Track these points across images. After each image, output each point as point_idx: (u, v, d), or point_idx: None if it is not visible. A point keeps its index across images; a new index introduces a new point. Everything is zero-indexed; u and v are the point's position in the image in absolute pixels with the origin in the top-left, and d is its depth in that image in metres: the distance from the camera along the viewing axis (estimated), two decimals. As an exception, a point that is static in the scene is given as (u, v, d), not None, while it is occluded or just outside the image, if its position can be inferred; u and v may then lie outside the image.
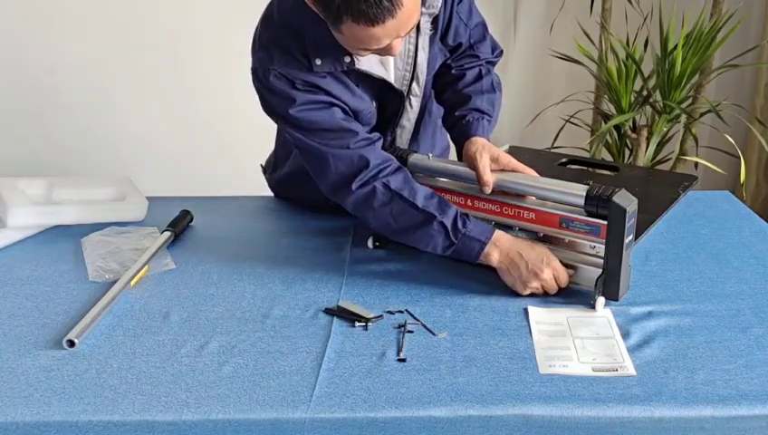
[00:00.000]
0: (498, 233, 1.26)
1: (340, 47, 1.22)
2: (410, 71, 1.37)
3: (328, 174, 1.30)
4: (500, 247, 1.24)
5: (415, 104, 1.43)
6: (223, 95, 2.84)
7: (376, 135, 1.33)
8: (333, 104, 1.28)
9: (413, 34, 1.34)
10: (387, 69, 1.35)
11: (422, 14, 1.28)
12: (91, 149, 2.86)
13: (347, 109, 1.30)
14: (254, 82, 1.31)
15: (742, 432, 0.94)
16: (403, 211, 1.27)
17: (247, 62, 1.31)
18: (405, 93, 1.39)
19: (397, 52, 1.20)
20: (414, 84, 1.39)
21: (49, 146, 2.83)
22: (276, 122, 1.37)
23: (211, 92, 2.87)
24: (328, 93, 1.27)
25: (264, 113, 1.34)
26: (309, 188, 1.51)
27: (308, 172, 1.39)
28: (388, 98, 1.38)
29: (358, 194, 1.28)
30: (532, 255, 1.22)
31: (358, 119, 1.33)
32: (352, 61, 1.26)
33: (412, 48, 1.35)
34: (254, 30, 1.32)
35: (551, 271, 1.21)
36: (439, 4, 1.32)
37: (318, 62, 1.25)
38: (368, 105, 1.35)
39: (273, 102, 1.29)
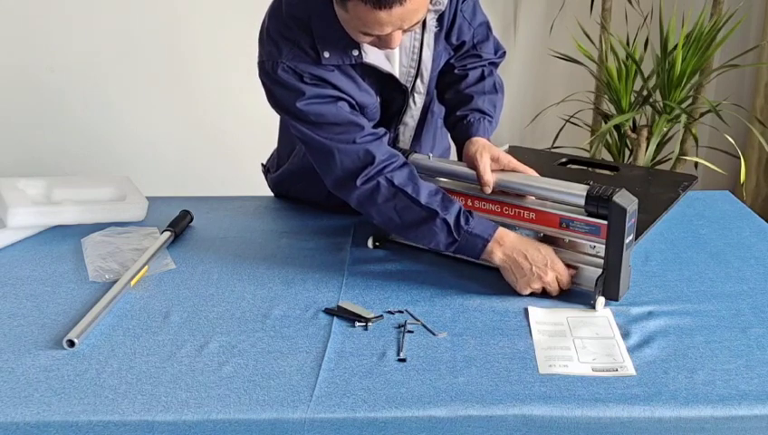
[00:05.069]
0: (502, 231, 1.25)
1: (348, 39, 1.22)
2: (415, 67, 1.38)
3: (333, 169, 1.29)
4: (504, 246, 1.24)
5: (418, 101, 1.43)
6: (223, 95, 2.85)
7: (382, 130, 1.33)
8: (341, 98, 1.28)
9: (419, 31, 1.34)
10: (392, 64, 1.35)
11: (429, 10, 1.28)
12: (91, 149, 2.86)
13: (354, 103, 1.30)
14: (260, 75, 1.30)
15: (742, 432, 0.94)
16: (406, 207, 1.27)
17: (247, 62, 1.31)
18: (409, 90, 1.39)
19: (396, 45, 1.20)
20: (418, 81, 1.40)
21: (49, 146, 2.83)
22: (282, 116, 1.36)
23: (211, 92, 2.87)
24: (335, 87, 1.27)
25: (270, 107, 1.33)
26: (309, 186, 1.51)
27: (308, 170, 1.39)
28: (392, 94, 1.38)
29: (362, 189, 1.28)
30: (536, 256, 1.22)
31: (363, 114, 1.33)
32: (360, 54, 1.26)
33: (417, 44, 1.35)
34: (253, 30, 1.32)
35: (554, 274, 1.21)
36: (446, 2, 1.32)
37: (326, 54, 1.25)
38: (373, 100, 1.35)
39: (280, 95, 1.29)
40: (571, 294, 1.23)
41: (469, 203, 1.34)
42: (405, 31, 1.18)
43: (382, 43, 1.19)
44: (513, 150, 1.71)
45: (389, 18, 1.11)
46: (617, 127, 2.76)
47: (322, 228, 1.53)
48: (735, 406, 0.95)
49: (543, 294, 1.23)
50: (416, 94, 1.42)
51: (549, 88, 3.09)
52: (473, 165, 1.31)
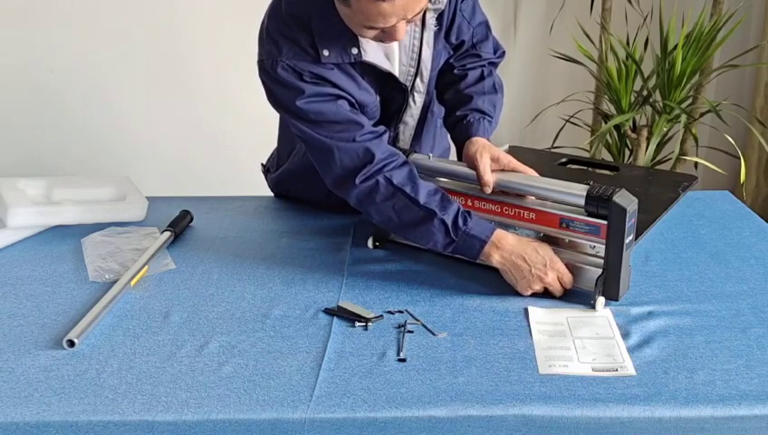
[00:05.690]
0: (500, 233, 1.25)
1: (348, 38, 1.22)
2: (415, 66, 1.38)
3: (333, 167, 1.29)
4: (501, 248, 1.24)
5: (418, 100, 1.43)
6: (223, 95, 2.85)
7: (382, 128, 1.33)
8: (340, 96, 1.28)
9: (418, 30, 1.34)
10: (392, 63, 1.35)
11: (428, 9, 1.28)
12: (91, 149, 2.86)
13: (353, 101, 1.30)
14: (260, 74, 1.30)
15: (742, 432, 0.94)
16: (405, 207, 1.27)
17: (247, 61, 1.31)
18: (409, 89, 1.39)
19: (401, 36, 1.19)
20: (418, 80, 1.40)
21: (49, 146, 2.83)
22: (282, 114, 1.36)
23: (211, 92, 2.87)
24: (335, 86, 1.27)
25: (270, 106, 1.33)
26: (309, 186, 1.51)
27: (308, 169, 1.39)
28: (392, 93, 1.38)
29: (361, 188, 1.28)
30: (535, 258, 1.21)
31: (363, 112, 1.33)
32: (359, 52, 1.26)
33: (417, 43, 1.35)
34: (253, 30, 1.32)
35: (555, 274, 1.21)
36: (445, 1, 1.32)
37: (326, 53, 1.25)
38: (373, 98, 1.35)
39: (279, 94, 1.29)
40: (571, 294, 1.23)
41: (469, 203, 1.34)
42: (408, 21, 1.18)
43: (387, 35, 1.19)
44: (513, 150, 1.71)
45: (393, 9, 1.11)
46: (617, 127, 2.76)
47: (322, 228, 1.53)
48: (735, 406, 0.95)
49: (544, 294, 1.23)
50: (415, 93, 1.42)
51: (549, 88, 3.09)
52: (473, 165, 1.31)
